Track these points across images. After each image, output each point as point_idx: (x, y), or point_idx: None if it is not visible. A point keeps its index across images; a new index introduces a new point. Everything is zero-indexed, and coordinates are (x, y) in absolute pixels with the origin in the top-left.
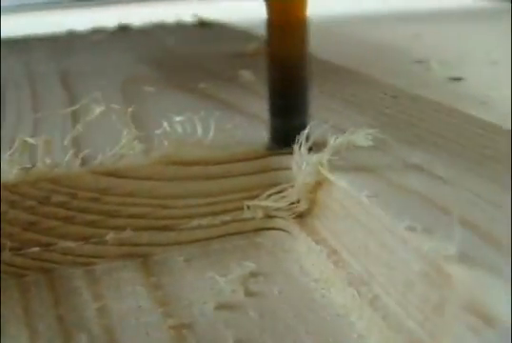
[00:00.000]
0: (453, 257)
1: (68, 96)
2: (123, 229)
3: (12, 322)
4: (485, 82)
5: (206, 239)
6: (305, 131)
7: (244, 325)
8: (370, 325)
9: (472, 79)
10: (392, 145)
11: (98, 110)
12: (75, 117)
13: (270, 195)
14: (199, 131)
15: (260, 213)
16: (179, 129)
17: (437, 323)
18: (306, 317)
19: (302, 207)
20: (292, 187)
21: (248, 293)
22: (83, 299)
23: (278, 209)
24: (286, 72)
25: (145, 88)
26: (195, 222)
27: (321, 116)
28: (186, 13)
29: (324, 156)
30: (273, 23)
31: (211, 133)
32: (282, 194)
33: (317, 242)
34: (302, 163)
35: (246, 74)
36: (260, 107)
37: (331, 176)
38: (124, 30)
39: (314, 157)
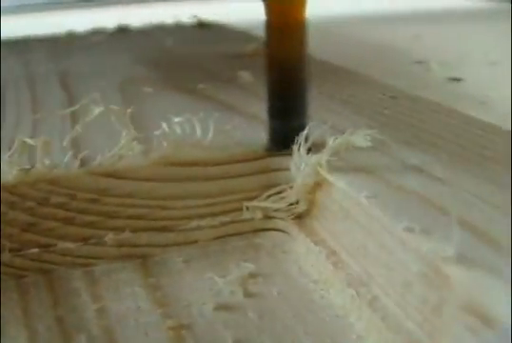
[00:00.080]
0: (451, 258)
1: (67, 97)
2: (122, 230)
3: (12, 323)
4: (485, 82)
5: (205, 240)
6: (304, 132)
7: (243, 326)
8: (369, 326)
9: (471, 80)
10: (391, 146)
11: (97, 110)
12: (74, 118)
13: (269, 196)
14: (198, 131)
15: (259, 214)
16: (178, 130)
17: (436, 324)
18: (305, 318)
19: (301, 208)
20: (291, 188)
21: (247, 294)
22: (82, 300)
23: (277, 210)
24: (285, 74)
25: (144, 89)
26: (194, 223)
27: (320, 117)
28: (185, 14)
29: (323, 157)
30: (272, 25)
31: (210, 134)
32: (281, 195)
33: (316, 243)
34: (301, 164)
35: (245, 75)
36: (259, 108)
37: (330, 177)
38: (123, 30)
39: (313, 158)
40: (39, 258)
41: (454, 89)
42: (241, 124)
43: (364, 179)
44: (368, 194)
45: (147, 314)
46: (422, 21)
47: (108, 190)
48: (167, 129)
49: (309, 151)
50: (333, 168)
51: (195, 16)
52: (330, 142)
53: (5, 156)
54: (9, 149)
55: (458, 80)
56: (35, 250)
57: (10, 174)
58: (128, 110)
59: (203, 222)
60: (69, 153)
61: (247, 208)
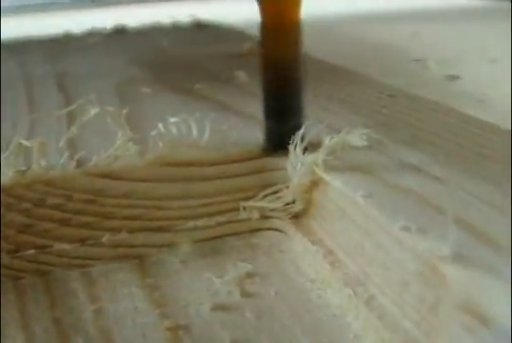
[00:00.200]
0: (448, 257)
1: (64, 98)
2: (118, 230)
3: (9, 324)
4: (482, 81)
5: (202, 240)
6: (301, 132)
7: (240, 326)
8: (366, 325)
9: (469, 78)
10: (388, 145)
11: (93, 111)
12: (71, 119)
13: (266, 196)
14: (194, 132)
15: (256, 214)
16: (174, 130)
17: (432, 323)
18: (303, 318)
19: (297, 207)
20: (288, 187)
21: (245, 294)
22: (79, 301)
23: (274, 209)
24: (281, 74)
25: (140, 89)
26: (191, 223)
27: (317, 116)
28: (182, 14)
29: (319, 156)
30: (267, 25)
31: (206, 134)
32: (277, 195)
33: (313, 242)
34: (297, 163)
35: (242, 75)
36: (255, 108)
37: (326, 176)
38: (120, 31)
39: (309, 157)
40: (36, 260)
41: (452, 87)
42: (237, 124)
43: (360, 178)
44: (365, 194)
45: (145, 315)
46: (419, 19)
47: (105, 190)
48: (162, 129)
49: (306, 150)
50: (329, 167)
51: (192, 16)
52: (326, 141)
53: (1, 158)
54: (6, 150)
55: (456, 78)
56: (32, 251)
57: (7, 176)
58: (124, 111)
59: (199, 222)
60: (66, 154)
61: (244, 208)
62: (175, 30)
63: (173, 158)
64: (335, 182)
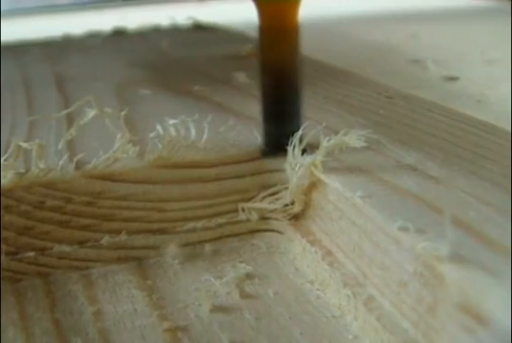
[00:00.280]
0: (446, 257)
1: (63, 100)
2: (118, 232)
3: (9, 326)
4: (481, 81)
5: (201, 242)
6: (299, 133)
7: (239, 327)
8: (365, 326)
9: (468, 78)
10: (385, 145)
11: (92, 113)
12: (70, 121)
13: (265, 197)
14: (193, 133)
15: (254, 215)
16: (173, 132)
17: (431, 323)
18: (302, 319)
19: (296, 208)
20: (286, 189)
21: (244, 295)
22: (79, 303)
23: (272, 210)
24: (279, 78)
25: (139, 91)
26: (190, 225)
27: (315, 117)
28: (181, 16)
29: (318, 158)
30: (265, 29)
31: (205, 136)
32: (276, 196)
33: (312, 243)
34: (295, 165)
35: (241, 77)
36: (254, 109)
37: (325, 178)
38: (119, 33)
39: (307, 159)
40: (36, 261)
41: (450, 87)
42: (236, 125)
43: (358, 179)
44: (363, 194)
45: (144, 317)
46: (418, 20)
47: (104, 192)
48: (161, 131)
49: (304, 151)
50: (328, 168)
51: (191, 18)
52: (324, 143)
53: (0, 160)
54: (5, 152)
55: (454, 79)
56: (32, 253)
57: (6, 178)
58: (123, 113)
59: (199, 224)
60: (65, 157)
61: (243, 209)
62: (174, 32)
63: (172, 160)
64: (333, 183)
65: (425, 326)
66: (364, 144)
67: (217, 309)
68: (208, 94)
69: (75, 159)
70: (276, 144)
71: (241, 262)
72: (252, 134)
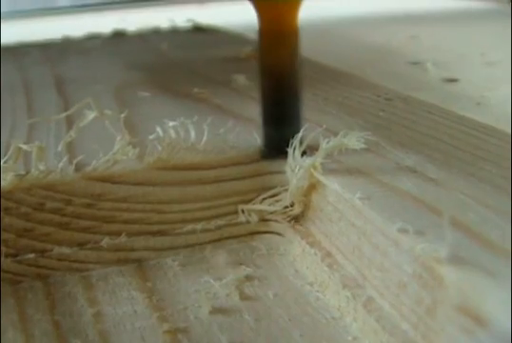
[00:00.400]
0: (445, 259)
1: (63, 102)
2: (118, 234)
3: (9, 328)
4: (481, 83)
5: (201, 243)
6: (299, 135)
7: (238, 329)
8: (365, 327)
9: (468, 80)
10: (385, 147)
11: (92, 115)
12: (69, 123)
13: (264, 199)
14: (192, 135)
15: (254, 217)
16: (172, 133)
17: (430, 324)
18: (301, 320)
19: (296, 210)
20: (286, 190)
21: (243, 297)
22: (79, 305)
23: (272, 212)
24: (279, 81)
25: (139, 93)
26: (190, 227)
27: (314, 119)
28: (180, 18)
29: (317, 159)
30: (265, 32)
31: (205, 138)
32: (276, 198)
33: (311, 245)
34: (295, 166)
35: (240, 78)
36: (253, 111)
37: (324, 179)
38: (119, 35)
39: (307, 160)
40: (35, 263)
41: (450, 89)
42: (235, 127)
43: (358, 181)
44: (362, 196)
45: (144, 318)
46: (418, 22)
47: (104, 194)
48: (161, 133)
49: (304, 153)
50: (327, 170)
51: (191, 20)
52: (323, 144)
53: (0, 162)
54: (5, 154)
55: (454, 81)
56: (32, 255)
57: (6, 180)
58: (123, 115)
59: (198, 225)
60: (64, 159)
61: (243, 211)
62: (174, 34)
63: (172, 162)
64: (333, 185)
65: (425, 327)
66: (363, 146)
67: (217, 310)
68: (208, 96)
69: (75, 161)
70: (276, 146)
71: (240, 264)
72: (252, 136)
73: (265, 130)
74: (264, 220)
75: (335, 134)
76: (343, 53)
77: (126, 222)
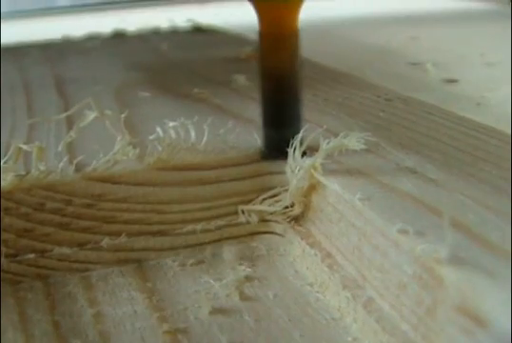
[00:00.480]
0: (445, 259)
1: (62, 102)
2: (118, 234)
3: (9, 328)
4: (481, 84)
5: (201, 244)
6: (299, 136)
7: (238, 329)
8: (365, 328)
9: (467, 81)
10: (385, 148)
11: (92, 115)
12: (70, 123)
13: (264, 200)
14: (193, 136)
15: (254, 218)
16: (173, 134)
17: (430, 325)
18: (301, 321)
19: (296, 211)
20: (286, 191)
21: (243, 298)
22: (79, 305)
23: (272, 213)
24: (279, 82)
25: (139, 93)
26: (190, 227)
27: (314, 120)
28: (180, 19)
29: (317, 160)
30: (265, 34)
31: (205, 138)
32: (276, 199)
33: (311, 246)
34: (295, 167)
35: (240, 79)
36: (253, 111)
37: (324, 180)
38: (119, 35)
39: (307, 161)
40: (35, 264)
41: (450, 90)
42: (236, 128)
43: (358, 181)
44: (362, 197)
45: (144, 319)
46: (418, 23)
47: (104, 194)
48: (161, 133)
49: (305, 154)
50: (327, 170)
51: (191, 20)
52: (324, 145)
53: (0, 162)
54: (5, 155)
55: (454, 81)
56: (32, 255)
57: (6, 180)
58: (123, 115)
59: (198, 226)
60: (65, 159)
61: (243, 211)
62: (174, 35)
63: (172, 162)
64: (333, 185)
65: (425, 328)
66: (363, 146)
67: (217, 311)
68: (208, 97)
69: (75, 161)
70: (276, 147)
71: (240, 264)
72: (252, 137)
73: (266, 130)
74: (264, 221)
75: (335, 135)
76: (343, 54)
77: (126, 222)
